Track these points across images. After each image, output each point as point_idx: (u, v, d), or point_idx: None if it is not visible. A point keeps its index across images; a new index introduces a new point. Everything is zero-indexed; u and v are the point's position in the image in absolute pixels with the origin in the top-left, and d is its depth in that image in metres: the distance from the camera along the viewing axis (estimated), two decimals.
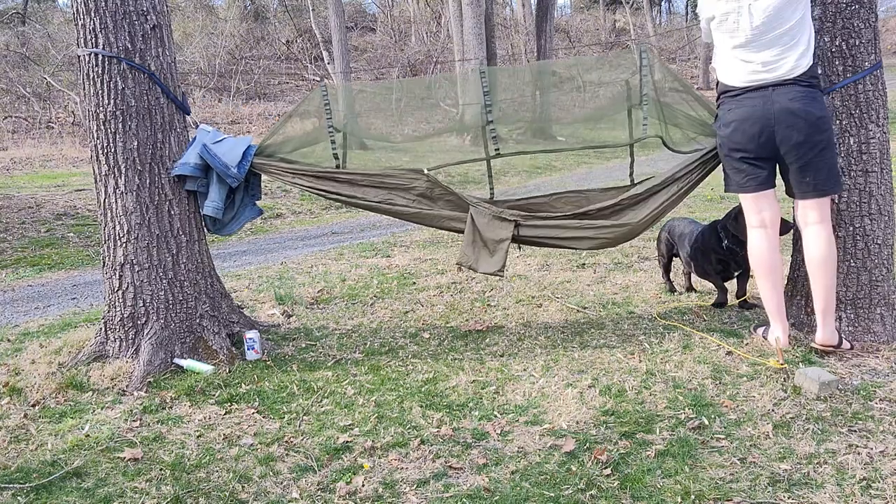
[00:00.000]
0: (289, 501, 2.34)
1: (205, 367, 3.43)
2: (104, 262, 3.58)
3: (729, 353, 3.35)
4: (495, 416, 2.86)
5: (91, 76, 3.39)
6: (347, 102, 4.24)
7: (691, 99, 3.71)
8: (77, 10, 3.36)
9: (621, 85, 3.80)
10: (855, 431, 2.59)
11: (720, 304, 4.07)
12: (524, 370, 3.33)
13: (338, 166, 3.81)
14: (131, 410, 3.05)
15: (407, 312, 4.34)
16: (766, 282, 3.38)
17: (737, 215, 3.80)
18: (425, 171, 3.69)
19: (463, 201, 3.74)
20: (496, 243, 3.66)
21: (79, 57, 3.43)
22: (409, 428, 2.79)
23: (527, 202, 3.82)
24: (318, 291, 4.87)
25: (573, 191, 3.88)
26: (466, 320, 4.11)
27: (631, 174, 3.78)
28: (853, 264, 3.38)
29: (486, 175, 4.02)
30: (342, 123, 3.96)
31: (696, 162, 3.56)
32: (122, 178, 3.44)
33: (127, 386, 3.29)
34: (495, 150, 3.80)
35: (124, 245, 3.48)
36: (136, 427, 2.91)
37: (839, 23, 3.26)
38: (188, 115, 3.70)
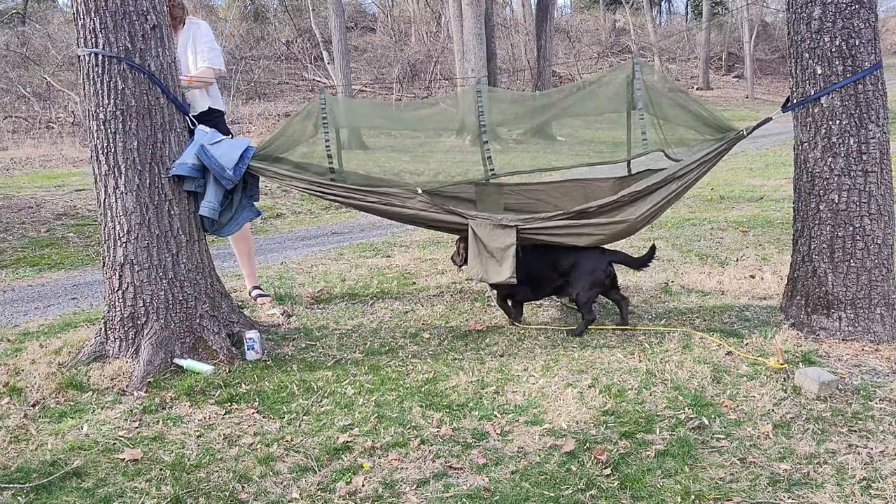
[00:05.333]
0: (289, 501, 2.34)
1: (205, 367, 3.43)
2: (104, 262, 3.58)
3: (729, 353, 3.35)
4: (495, 416, 2.86)
5: (91, 76, 3.39)
6: (347, 99, 4.33)
7: (685, 103, 3.74)
8: (77, 10, 3.36)
9: (620, 84, 3.82)
10: (855, 431, 2.59)
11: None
12: (524, 370, 3.33)
13: (332, 171, 3.84)
14: (131, 410, 3.05)
15: (407, 312, 4.34)
16: None
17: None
18: (419, 192, 3.72)
19: (461, 211, 3.77)
20: (502, 251, 3.67)
21: (79, 57, 3.43)
22: (409, 428, 2.79)
23: (526, 188, 3.87)
24: (318, 291, 4.87)
25: (573, 180, 3.91)
26: (466, 320, 4.11)
27: (629, 164, 3.80)
28: (853, 264, 3.38)
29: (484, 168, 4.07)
30: (340, 117, 4.01)
31: (695, 161, 3.56)
32: (122, 178, 3.44)
33: (127, 386, 3.29)
34: (490, 171, 3.91)
35: (124, 245, 3.48)
36: (136, 427, 2.91)
37: (839, 23, 3.26)
38: (188, 115, 3.70)
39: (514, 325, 3.96)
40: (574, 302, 3.86)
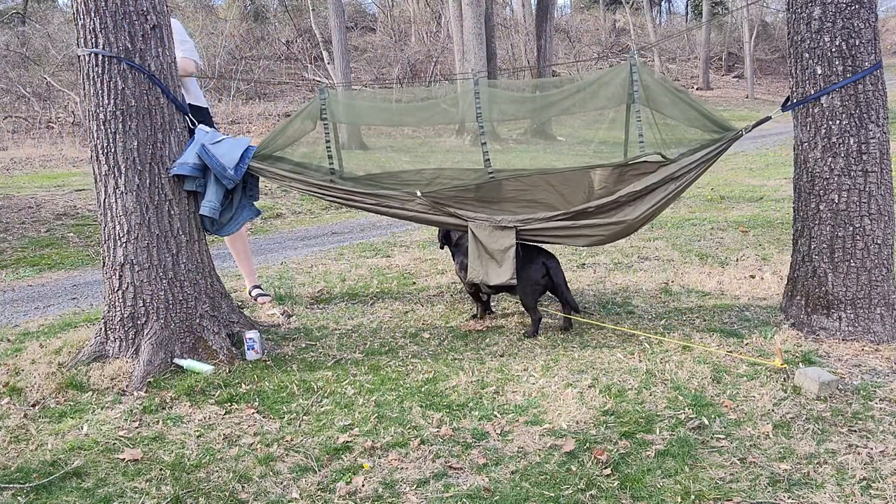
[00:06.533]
0: (289, 501, 2.34)
1: (205, 367, 3.43)
2: (104, 262, 3.58)
3: (729, 353, 3.35)
4: (495, 416, 2.86)
5: (91, 76, 3.39)
6: (347, 93, 4.34)
7: (685, 100, 3.74)
8: (77, 10, 3.36)
9: (620, 83, 3.81)
10: (855, 431, 2.59)
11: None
12: (524, 370, 3.33)
13: (332, 172, 3.85)
14: (131, 410, 3.05)
15: (407, 312, 4.34)
16: None
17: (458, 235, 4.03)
18: (419, 194, 3.72)
19: (460, 213, 3.77)
20: (502, 252, 3.68)
21: (79, 57, 3.43)
22: (409, 428, 2.79)
23: (526, 175, 3.88)
24: (318, 291, 4.87)
25: (574, 168, 3.92)
26: (466, 320, 4.11)
27: (625, 154, 3.80)
28: (853, 264, 3.38)
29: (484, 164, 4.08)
30: (340, 114, 4.01)
31: (693, 161, 3.55)
32: (122, 178, 3.44)
33: (127, 386, 3.29)
34: (489, 174, 3.94)
35: (124, 245, 3.48)
36: (136, 427, 2.91)
37: (839, 23, 3.26)
38: (188, 115, 3.70)
39: (477, 318, 4.13)
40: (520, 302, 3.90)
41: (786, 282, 3.83)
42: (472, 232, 3.72)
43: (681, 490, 2.27)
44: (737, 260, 5.16)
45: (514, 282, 3.70)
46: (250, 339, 3.60)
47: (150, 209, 3.48)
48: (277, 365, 3.52)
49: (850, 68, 3.26)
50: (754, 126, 3.61)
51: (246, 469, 2.54)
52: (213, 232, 3.81)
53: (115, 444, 2.76)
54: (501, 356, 3.52)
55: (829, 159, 3.37)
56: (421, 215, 3.78)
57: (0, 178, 10.91)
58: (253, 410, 3.01)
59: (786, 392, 2.91)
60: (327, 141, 3.91)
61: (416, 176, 3.97)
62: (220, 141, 3.69)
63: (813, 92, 3.36)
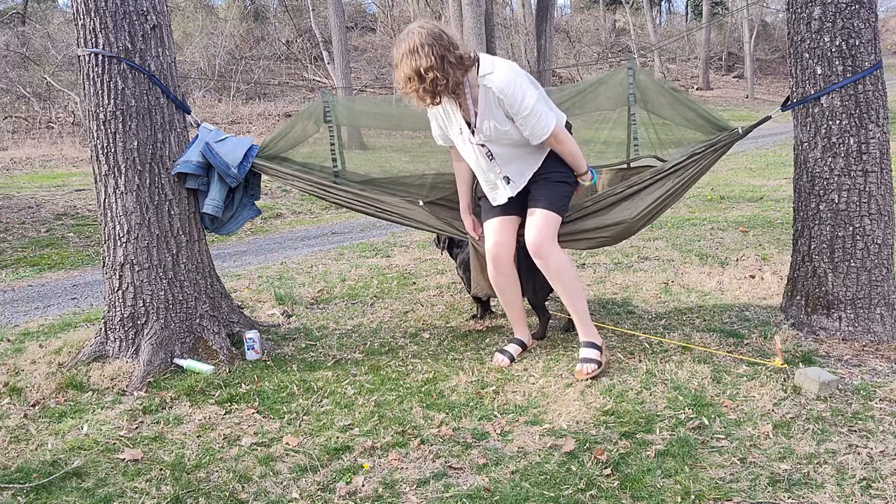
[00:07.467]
0: (289, 501, 2.34)
1: (205, 367, 3.43)
2: (104, 262, 3.58)
3: (729, 353, 3.35)
4: (495, 416, 2.86)
5: (91, 76, 3.39)
6: (347, 98, 4.33)
7: (681, 104, 3.73)
8: (77, 10, 3.36)
9: (618, 84, 3.81)
10: (855, 431, 2.59)
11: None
12: (524, 370, 3.33)
13: (336, 175, 3.84)
14: (131, 410, 3.05)
15: (407, 312, 4.34)
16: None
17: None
18: (421, 204, 3.72)
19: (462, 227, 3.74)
20: None
21: (79, 57, 3.43)
22: (409, 428, 2.79)
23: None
24: (318, 291, 4.87)
25: None
26: (466, 320, 4.11)
27: (628, 155, 3.79)
28: (853, 264, 3.38)
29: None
30: (342, 116, 4.01)
31: (690, 156, 3.52)
32: (122, 178, 3.44)
33: (127, 386, 3.29)
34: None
35: (124, 245, 3.48)
36: (136, 427, 2.91)
37: (839, 23, 3.26)
38: (188, 114, 3.70)
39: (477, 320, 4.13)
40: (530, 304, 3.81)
41: (786, 282, 3.82)
42: (473, 246, 3.68)
43: (681, 490, 2.27)
44: (737, 260, 5.16)
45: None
46: (250, 339, 3.60)
47: (150, 209, 3.48)
48: (277, 365, 3.52)
49: (850, 68, 3.26)
50: (754, 126, 3.60)
51: (246, 469, 2.54)
52: (214, 230, 3.81)
53: (115, 444, 2.76)
54: None
55: (829, 159, 3.37)
56: (423, 224, 3.76)
57: (0, 178, 10.92)
58: (253, 410, 3.01)
59: (786, 392, 2.91)
60: (331, 143, 3.91)
61: (419, 181, 3.94)
62: (224, 139, 3.70)
63: (813, 92, 3.36)
